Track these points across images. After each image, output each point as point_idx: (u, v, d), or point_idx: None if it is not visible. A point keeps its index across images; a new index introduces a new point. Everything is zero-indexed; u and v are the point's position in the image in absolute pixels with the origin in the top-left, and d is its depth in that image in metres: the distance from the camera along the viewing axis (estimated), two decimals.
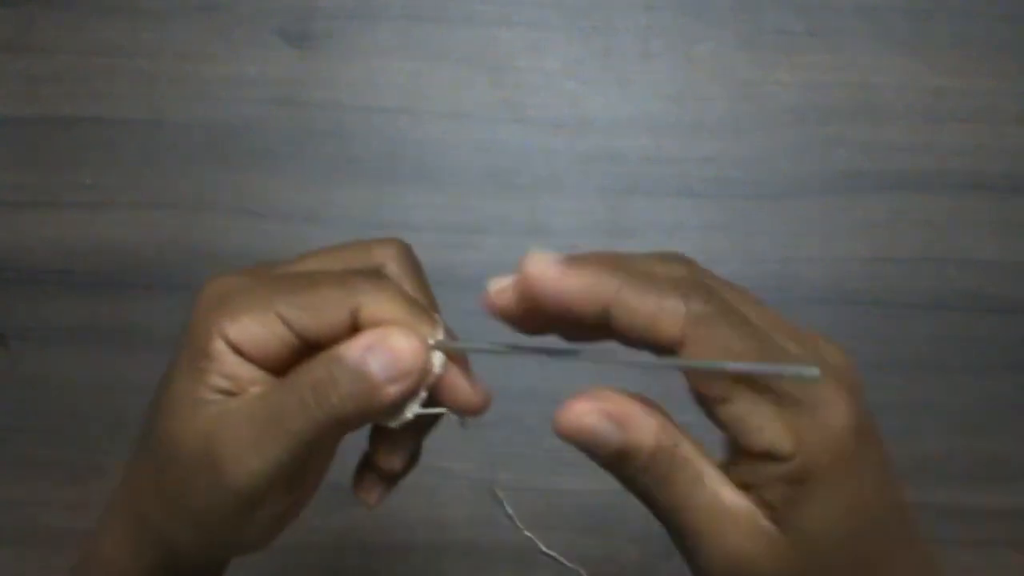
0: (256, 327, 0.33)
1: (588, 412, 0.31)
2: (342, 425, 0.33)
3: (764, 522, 0.32)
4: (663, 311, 0.30)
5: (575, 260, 0.30)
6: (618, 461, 0.32)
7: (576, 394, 0.31)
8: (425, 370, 0.33)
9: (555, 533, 0.61)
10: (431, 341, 0.33)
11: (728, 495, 0.32)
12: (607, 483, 0.62)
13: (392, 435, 0.36)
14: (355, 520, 0.60)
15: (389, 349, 0.32)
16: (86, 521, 0.62)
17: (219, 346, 0.33)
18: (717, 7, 0.66)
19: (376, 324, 0.33)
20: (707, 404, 0.31)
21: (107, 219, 0.64)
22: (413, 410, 0.34)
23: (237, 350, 0.33)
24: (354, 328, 0.33)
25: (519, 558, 0.61)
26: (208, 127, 0.64)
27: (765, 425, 0.31)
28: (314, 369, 0.33)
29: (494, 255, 0.64)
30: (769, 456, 0.31)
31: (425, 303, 0.35)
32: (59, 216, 0.64)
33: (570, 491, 0.61)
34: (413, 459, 0.37)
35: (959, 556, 0.62)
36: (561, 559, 0.47)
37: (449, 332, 0.35)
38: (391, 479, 0.37)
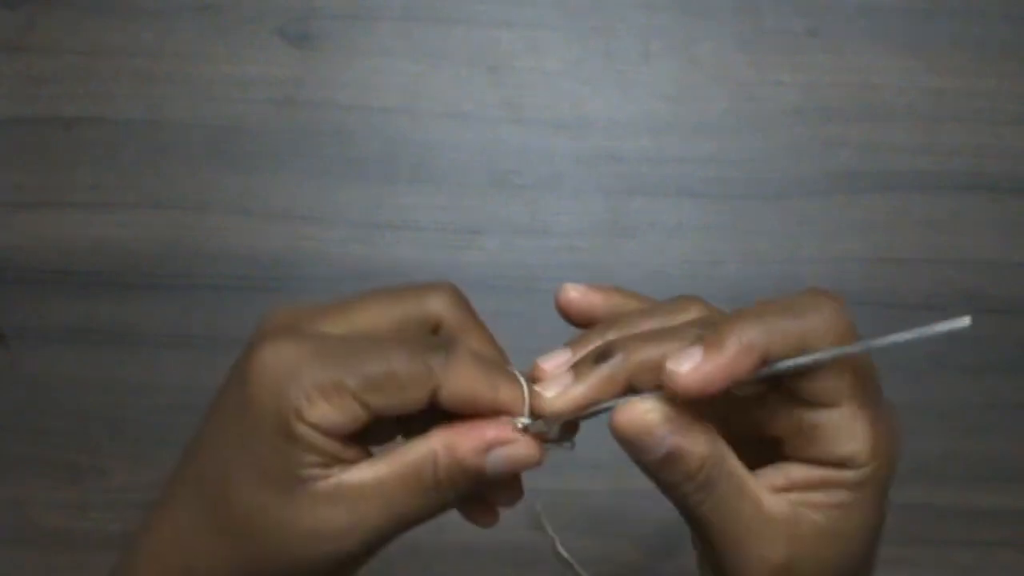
0: (331, 411, 0.33)
1: (651, 410, 0.32)
2: (447, 509, 0.34)
3: (807, 526, 0.33)
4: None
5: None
6: (667, 465, 0.32)
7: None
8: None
9: (555, 533, 0.61)
10: (531, 423, 0.34)
11: (769, 502, 0.33)
12: (607, 483, 0.62)
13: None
14: None
15: (509, 454, 0.33)
16: (86, 521, 0.62)
17: (301, 429, 0.33)
18: (717, 7, 0.66)
19: (457, 404, 0.33)
20: (794, 411, 0.33)
21: (107, 219, 0.64)
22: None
23: (316, 429, 0.33)
24: (430, 401, 0.34)
25: (519, 558, 0.61)
26: (208, 127, 0.64)
27: (858, 433, 0.33)
28: (436, 466, 0.33)
29: (494, 255, 0.64)
30: (845, 462, 0.33)
31: (494, 356, 0.36)
32: (59, 216, 0.64)
33: (570, 491, 0.61)
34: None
35: (959, 556, 0.62)
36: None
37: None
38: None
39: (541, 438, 0.34)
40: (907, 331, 0.31)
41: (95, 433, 0.62)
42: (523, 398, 0.34)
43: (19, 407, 0.63)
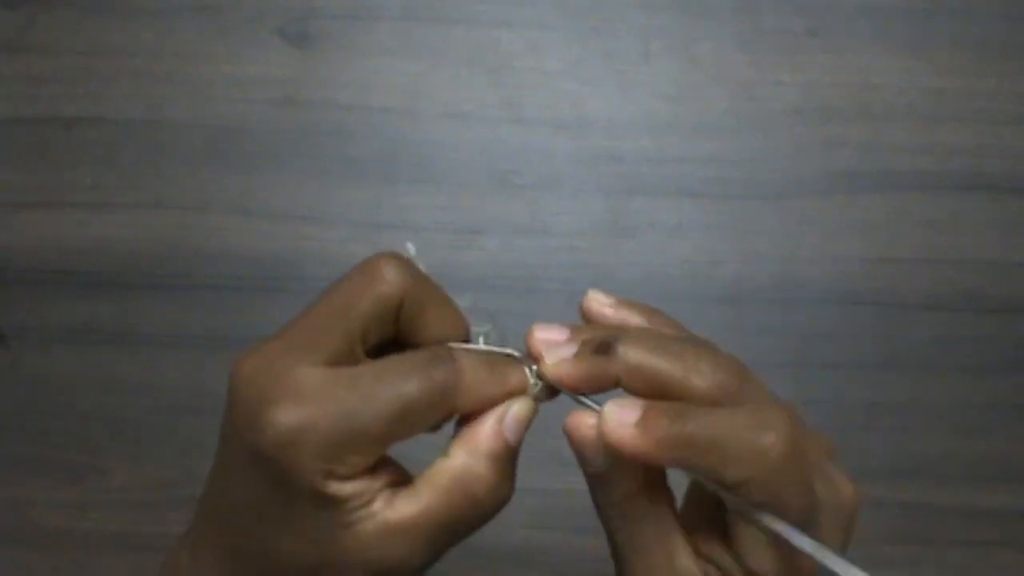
0: (360, 459, 0.33)
1: (592, 427, 0.33)
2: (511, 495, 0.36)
3: None
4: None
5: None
6: (593, 482, 0.35)
7: (615, 402, 0.33)
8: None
9: (555, 533, 0.61)
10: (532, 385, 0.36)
11: (683, 563, 0.34)
12: None
13: None
14: None
15: (518, 422, 0.35)
16: (86, 521, 0.62)
17: (335, 487, 0.33)
18: (717, 7, 0.66)
19: (475, 409, 0.35)
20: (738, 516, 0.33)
21: (107, 219, 0.64)
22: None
23: (346, 480, 0.33)
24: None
25: (519, 558, 0.61)
26: (208, 127, 0.64)
27: (776, 559, 0.33)
28: (477, 479, 0.34)
29: (494, 255, 0.64)
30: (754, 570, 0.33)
31: (454, 327, 0.37)
32: (59, 216, 0.64)
33: (570, 491, 0.61)
34: None
35: (959, 556, 0.62)
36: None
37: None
38: None
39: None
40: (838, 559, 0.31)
41: (95, 433, 0.62)
42: (527, 374, 0.36)
43: (19, 407, 0.63)
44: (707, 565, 0.34)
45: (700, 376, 0.33)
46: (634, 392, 0.34)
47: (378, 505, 0.33)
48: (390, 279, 0.35)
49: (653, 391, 0.33)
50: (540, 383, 0.36)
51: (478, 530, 0.35)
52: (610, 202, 0.64)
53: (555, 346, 0.35)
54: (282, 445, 0.32)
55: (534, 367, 0.36)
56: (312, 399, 0.32)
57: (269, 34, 0.65)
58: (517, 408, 0.35)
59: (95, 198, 0.64)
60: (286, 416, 0.32)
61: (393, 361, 0.34)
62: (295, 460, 0.32)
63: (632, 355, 0.33)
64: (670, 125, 0.65)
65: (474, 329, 0.37)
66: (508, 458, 0.35)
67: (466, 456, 0.34)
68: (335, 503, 0.33)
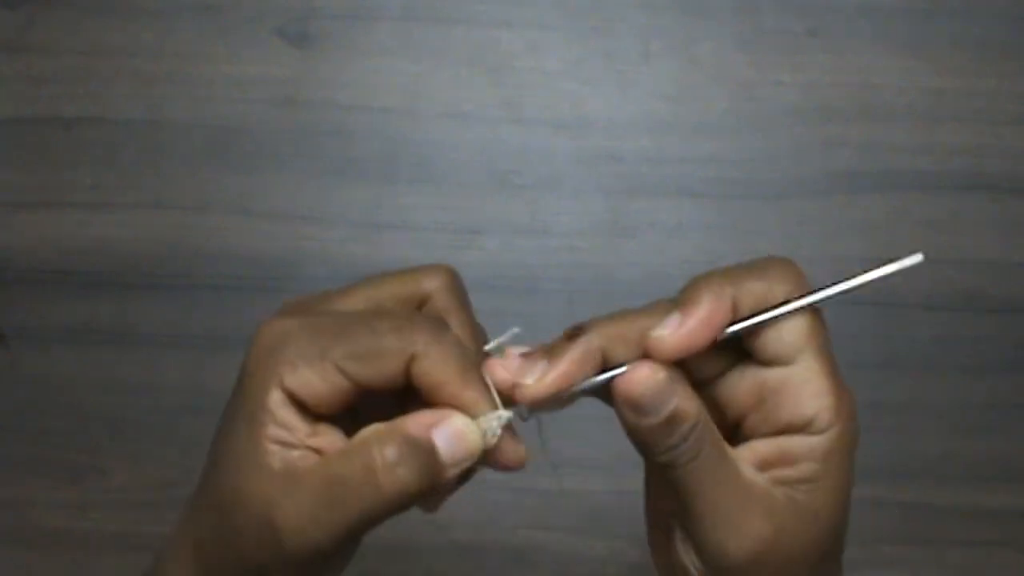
0: (314, 377, 0.33)
1: (660, 370, 0.33)
2: (408, 503, 0.33)
3: (783, 503, 0.33)
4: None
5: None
6: (667, 426, 0.33)
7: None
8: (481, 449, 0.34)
9: (555, 533, 0.61)
10: (488, 420, 0.34)
11: (747, 472, 0.34)
12: (607, 483, 0.62)
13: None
14: None
15: (455, 432, 0.33)
16: (86, 521, 0.62)
17: (276, 397, 0.33)
18: (717, 7, 0.66)
19: (426, 382, 0.33)
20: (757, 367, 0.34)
21: (107, 219, 0.64)
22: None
23: (294, 399, 0.33)
24: (406, 376, 0.34)
25: (519, 558, 0.61)
26: (208, 127, 0.64)
27: (818, 388, 0.33)
28: (382, 446, 0.33)
29: (494, 255, 0.64)
30: (809, 424, 0.33)
31: (471, 339, 0.36)
32: (59, 216, 0.64)
33: (570, 491, 0.61)
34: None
35: (959, 556, 0.62)
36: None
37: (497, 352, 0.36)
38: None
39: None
40: (859, 276, 0.33)
41: (95, 433, 0.62)
42: (489, 401, 0.34)
43: (19, 407, 0.63)
44: (769, 472, 0.34)
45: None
46: (619, 359, 0.34)
47: (294, 455, 0.33)
48: (428, 287, 0.36)
49: (637, 347, 0.33)
50: (526, 411, 0.34)
51: (374, 518, 0.33)
52: (610, 202, 0.64)
53: (522, 369, 0.34)
54: (260, 340, 0.34)
55: (500, 412, 0.34)
56: (303, 317, 0.34)
57: (269, 34, 0.65)
58: (456, 420, 0.33)
59: (95, 198, 0.64)
60: (276, 321, 0.34)
61: (388, 308, 0.36)
62: (263, 354, 0.33)
63: (602, 322, 0.34)
64: (670, 125, 0.65)
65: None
66: (423, 455, 0.33)
67: (384, 428, 0.33)
68: (267, 414, 0.33)
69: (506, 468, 0.36)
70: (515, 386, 0.34)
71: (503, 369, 0.34)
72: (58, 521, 0.62)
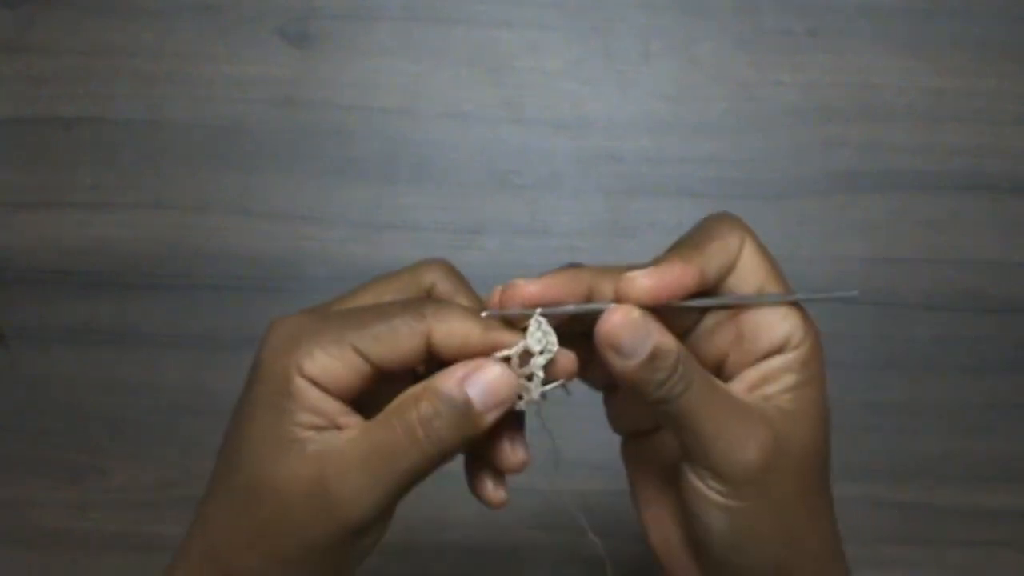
0: (333, 362, 0.34)
1: (633, 310, 0.34)
2: (448, 455, 0.35)
3: (775, 411, 0.35)
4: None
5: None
6: (651, 363, 0.34)
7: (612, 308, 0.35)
8: (516, 392, 0.35)
9: (555, 533, 0.61)
10: (514, 351, 0.35)
11: (739, 392, 0.36)
12: (607, 483, 0.62)
13: (506, 429, 0.37)
14: None
15: (484, 379, 0.35)
16: (86, 521, 0.62)
17: (300, 383, 0.34)
18: (717, 7, 0.66)
19: (450, 345, 0.35)
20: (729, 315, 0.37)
21: (107, 219, 0.64)
22: (538, 390, 0.36)
23: (316, 385, 0.34)
24: (428, 352, 0.35)
25: (519, 558, 0.61)
26: (208, 127, 0.64)
27: (786, 314, 0.37)
28: (418, 405, 0.34)
29: (494, 255, 0.64)
30: (784, 345, 0.36)
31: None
32: (59, 216, 0.64)
33: (570, 491, 0.61)
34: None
35: (959, 556, 0.62)
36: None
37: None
38: (506, 474, 0.39)
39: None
40: (797, 294, 0.38)
41: (95, 433, 0.62)
42: (513, 336, 0.35)
43: (19, 407, 0.63)
44: (757, 392, 0.36)
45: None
46: (609, 296, 0.36)
47: (329, 434, 0.34)
48: (429, 279, 0.38)
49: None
50: (539, 382, 0.36)
51: (421, 475, 0.35)
52: (610, 202, 0.64)
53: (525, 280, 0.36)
54: (275, 335, 0.35)
55: (539, 347, 0.35)
56: (315, 311, 0.36)
57: (269, 34, 0.65)
58: (486, 367, 0.35)
59: (95, 198, 0.64)
60: (289, 318, 0.35)
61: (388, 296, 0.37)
62: (279, 346, 0.34)
63: (596, 268, 0.37)
64: (670, 125, 0.65)
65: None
66: (463, 417, 0.34)
67: (420, 388, 0.35)
68: (293, 400, 0.34)
69: (509, 470, 0.37)
70: (512, 286, 0.35)
71: (525, 282, 0.36)
72: (58, 521, 0.62)
